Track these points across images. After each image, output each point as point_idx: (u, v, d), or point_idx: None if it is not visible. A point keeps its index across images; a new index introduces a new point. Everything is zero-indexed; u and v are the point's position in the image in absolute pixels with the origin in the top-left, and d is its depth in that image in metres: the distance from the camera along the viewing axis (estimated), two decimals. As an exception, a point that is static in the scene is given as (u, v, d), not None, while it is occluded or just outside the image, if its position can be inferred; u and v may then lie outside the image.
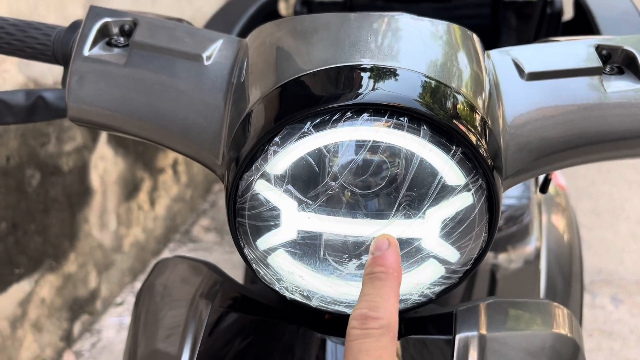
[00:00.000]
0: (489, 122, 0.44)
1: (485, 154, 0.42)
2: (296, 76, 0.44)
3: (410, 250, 0.44)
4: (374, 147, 0.41)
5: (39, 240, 1.50)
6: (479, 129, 0.43)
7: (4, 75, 1.32)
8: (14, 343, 1.47)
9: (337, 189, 0.42)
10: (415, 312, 0.53)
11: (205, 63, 0.49)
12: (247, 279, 1.08)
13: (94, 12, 0.52)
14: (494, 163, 0.44)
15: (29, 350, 1.52)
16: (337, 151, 0.41)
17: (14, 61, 1.32)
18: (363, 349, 0.35)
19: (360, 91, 0.41)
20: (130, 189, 1.87)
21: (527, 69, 0.49)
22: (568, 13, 1.18)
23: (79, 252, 1.66)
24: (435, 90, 0.43)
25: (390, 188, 0.42)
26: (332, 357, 0.52)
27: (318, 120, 0.41)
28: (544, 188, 0.71)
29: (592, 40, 0.52)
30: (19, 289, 1.46)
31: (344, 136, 0.41)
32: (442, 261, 0.45)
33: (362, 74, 0.43)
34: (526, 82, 0.48)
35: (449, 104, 0.42)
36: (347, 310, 0.48)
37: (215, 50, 0.50)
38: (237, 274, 1.30)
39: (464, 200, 0.43)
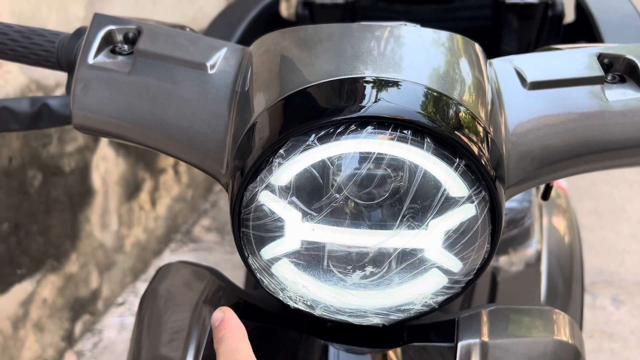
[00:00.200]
0: (491, 132, 0.45)
1: (487, 165, 0.43)
2: (300, 88, 0.44)
3: (413, 261, 0.45)
4: (378, 160, 0.42)
5: (41, 240, 1.51)
6: (481, 140, 0.43)
7: (5, 76, 1.32)
8: (16, 343, 1.48)
9: (342, 201, 0.43)
10: (418, 320, 0.53)
11: (210, 72, 0.49)
12: (248, 283, 1.08)
13: (98, 20, 0.53)
14: (497, 173, 0.44)
15: (30, 351, 1.53)
16: (341, 163, 0.42)
17: (16, 63, 1.32)
18: None
19: (363, 103, 0.42)
20: (131, 189, 1.87)
21: (529, 78, 0.49)
22: (569, 16, 1.18)
23: (81, 252, 1.66)
24: (438, 102, 0.43)
25: (393, 200, 0.43)
26: None
27: (322, 133, 0.41)
28: (545, 195, 0.71)
29: (593, 48, 0.52)
30: (20, 289, 1.47)
31: (348, 149, 0.41)
32: (445, 271, 0.45)
33: (365, 86, 0.43)
34: (528, 91, 0.49)
35: (451, 116, 0.43)
36: (351, 320, 0.48)
37: (219, 59, 0.50)
38: (238, 274, 1.30)
39: (467, 211, 0.43)
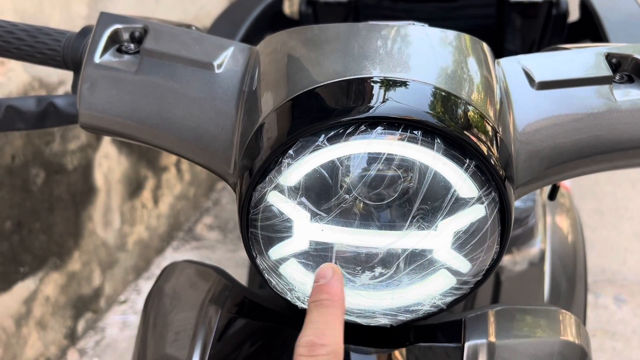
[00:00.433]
0: (500, 132, 0.45)
1: (497, 165, 0.43)
2: (308, 88, 0.44)
3: (422, 261, 0.45)
4: (388, 160, 0.41)
5: (44, 238, 1.51)
6: (491, 140, 0.43)
7: (9, 74, 1.32)
8: (19, 341, 1.48)
9: (351, 202, 0.42)
10: (425, 320, 0.53)
11: (217, 71, 0.49)
12: (251, 281, 1.08)
13: (105, 19, 0.52)
14: (506, 173, 0.44)
15: (33, 348, 1.53)
16: (351, 164, 0.42)
17: (19, 61, 1.32)
18: None
19: (371, 104, 0.41)
20: (134, 187, 1.87)
21: (538, 78, 0.49)
22: (574, 14, 1.18)
23: (83, 250, 1.66)
24: (446, 102, 0.43)
25: (403, 200, 0.42)
26: None
27: (332, 134, 0.41)
28: (552, 195, 0.71)
29: (601, 48, 0.52)
30: (23, 287, 1.47)
31: (358, 149, 0.41)
32: (454, 272, 0.45)
33: (373, 86, 0.43)
34: (537, 91, 0.48)
35: (460, 115, 0.43)
36: (359, 320, 0.48)
37: (226, 58, 0.50)
38: (240, 272, 1.30)
39: (476, 212, 0.43)
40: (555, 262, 1.10)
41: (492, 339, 0.51)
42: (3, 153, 1.34)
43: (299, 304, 0.48)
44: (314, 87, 0.44)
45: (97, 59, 0.50)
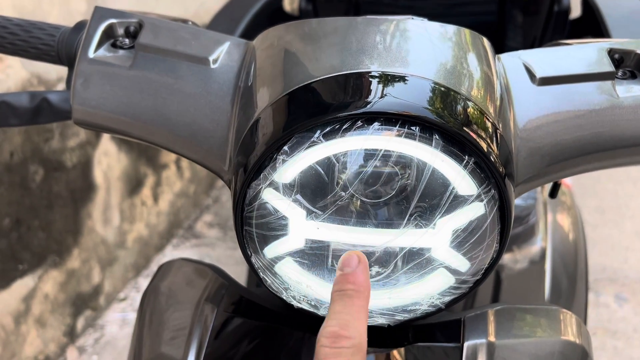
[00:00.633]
0: (500, 128, 0.44)
1: (497, 162, 0.42)
2: (304, 83, 0.43)
3: (420, 260, 0.44)
4: (385, 157, 0.41)
5: (43, 236, 1.50)
6: (490, 136, 0.42)
7: (7, 71, 1.31)
8: (18, 338, 1.47)
9: (347, 199, 0.42)
10: (423, 319, 0.52)
11: (212, 66, 0.48)
12: (250, 280, 1.08)
13: (99, 13, 0.52)
14: (506, 170, 0.43)
15: (32, 346, 1.52)
16: (347, 160, 0.41)
17: (17, 57, 1.31)
18: None
19: (369, 99, 0.41)
20: (133, 185, 1.86)
21: (539, 73, 0.48)
22: (575, 11, 1.17)
23: (83, 247, 1.65)
24: (445, 97, 0.42)
25: (401, 198, 0.42)
26: None
27: (328, 129, 0.40)
28: (553, 193, 0.70)
29: (604, 43, 0.51)
30: (22, 285, 1.46)
31: (355, 145, 0.40)
32: (452, 271, 0.45)
33: (371, 80, 0.42)
34: (537, 87, 0.48)
35: (459, 111, 0.42)
36: None
37: (222, 53, 0.49)
38: (240, 270, 1.29)
39: (475, 210, 0.42)
40: (556, 260, 1.09)
41: (492, 338, 0.50)
42: (1, 150, 1.34)
43: (294, 303, 0.48)
44: (310, 81, 0.43)
45: (91, 54, 0.50)
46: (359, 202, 0.42)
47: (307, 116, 0.41)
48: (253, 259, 0.46)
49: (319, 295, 0.46)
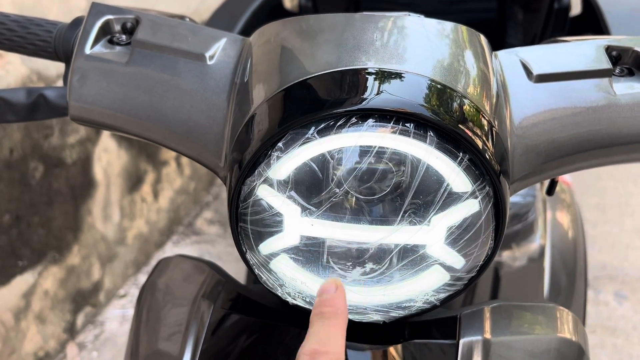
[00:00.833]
0: (496, 126, 0.44)
1: (492, 160, 0.42)
2: (300, 79, 0.43)
3: (415, 257, 0.44)
4: (380, 153, 0.40)
5: (43, 232, 1.50)
6: (486, 134, 0.42)
7: (7, 67, 1.31)
8: (18, 334, 1.48)
9: (342, 196, 0.42)
10: (420, 316, 0.52)
11: (209, 62, 0.48)
12: (249, 276, 1.08)
13: (96, 9, 0.52)
14: (501, 168, 0.43)
15: (32, 342, 1.53)
16: (342, 157, 0.41)
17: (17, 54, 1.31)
18: None
19: (365, 96, 0.40)
20: (133, 182, 1.86)
21: (536, 70, 0.48)
22: (576, 8, 1.17)
23: (83, 244, 1.66)
24: (442, 95, 0.42)
25: (395, 195, 0.42)
26: None
27: (322, 126, 0.40)
28: (550, 190, 0.70)
29: (601, 41, 0.51)
30: (22, 281, 1.47)
31: (349, 142, 0.40)
32: (447, 268, 0.45)
33: (368, 77, 0.42)
34: (534, 84, 0.48)
35: (455, 109, 0.42)
36: (351, 316, 0.48)
37: (219, 50, 0.49)
38: (240, 267, 1.30)
39: (470, 207, 0.42)
40: (555, 258, 1.09)
41: (488, 335, 0.50)
42: (1, 146, 1.34)
43: (289, 299, 0.48)
44: (306, 77, 0.43)
45: (87, 50, 0.50)
46: (353, 199, 0.42)
47: (302, 113, 0.41)
48: (248, 256, 0.46)
49: (314, 291, 0.46)
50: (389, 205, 0.42)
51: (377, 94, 0.41)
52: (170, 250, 2.06)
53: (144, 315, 0.59)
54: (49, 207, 1.51)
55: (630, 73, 0.49)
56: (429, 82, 0.42)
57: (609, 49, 0.50)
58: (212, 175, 2.40)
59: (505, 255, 1.01)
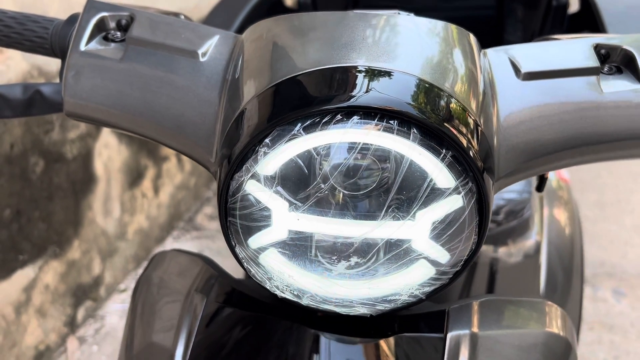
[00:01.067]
0: (481, 124, 0.44)
1: (475, 157, 0.42)
2: (289, 76, 0.43)
3: (399, 251, 0.44)
4: (364, 150, 0.41)
5: (43, 227, 1.52)
6: (471, 132, 0.43)
7: (7, 62, 1.32)
8: (19, 328, 1.49)
9: (327, 191, 0.42)
10: (409, 310, 0.53)
11: (201, 59, 0.49)
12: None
13: (91, 6, 0.52)
14: (485, 165, 0.43)
15: (33, 335, 1.54)
16: (327, 153, 0.42)
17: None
18: None
19: (353, 93, 0.41)
20: (134, 177, 1.87)
21: (524, 68, 0.48)
22: (574, 6, 1.17)
23: (83, 239, 1.67)
24: (428, 93, 0.43)
25: (379, 190, 0.42)
26: (325, 353, 0.52)
27: (308, 122, 0.41)
28: (540, 186, 0.70)
29: (590, 39, 0.51)
30: (23, 275, 1.48)
31: (334, 138, 0.41)
32: (432, 262, 0.45)
33: (357, 74, 0.42)
34: (522, 81, 0.48)
35: (441, 107, 0.42)
36: (338, 309, 0.48)
37: (211, 47, 0.50)
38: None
39: (453, 202, 0.43)
40: (551, 254, 1.09)
41: (475, 329, 0.51)
42: (2, 141, 1.35)
43: (277, 292, 0.48)
44: (294, 74, 0.43)
45: (82, 46, 0.50)
46: (338, 195, 0.43)
47: (289, 109, 0.41)
48: (237, 250, 0.47)
49: (301, 284, 0.47)
50: (373, 201, 0.43)
51: (366, 91, 0.41)
52: (170, 245, 2.07)
53: (139, 308, 0.60)
54: (49, 201, 1.52)
55: (618, 71, 0.50)
56: (417, 80, 0.43)
57: (597, 48, 0.50)
58: (212, 171, 2.40)
59: (501, 252, 1.02)
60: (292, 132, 0.41)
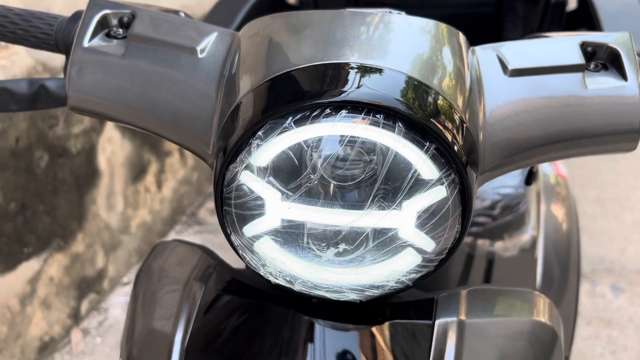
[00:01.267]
0: (467, 119, 0.46)
1: (459, 150, 0.44)
2: (283, 72, 0.45)
3: (385, 239, 0.46)
4: (351, 142, 0.43)
5: (48, 220, 1.54)
6: (456, 127, 0.45)
7: (12, 57, 1.34)
8: (23, 320, 1.51)
9: (316, 182, 0.44)
10: (400, 298, 0.55)
11: (199, 56, 0.51)
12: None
13: (94, 4, 0.54)
14: (469, 158, 0.45)
15: (37, 327, 1.56)
16: (317, 145, 0.44)
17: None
18: None
19: (344, 89, 0.43)
20: (137, 171, 1.89)
21: (511, 65, 0.50)
22: (572, 3, 1.18)
23: (87, 232, 1.69)
24: (417, 90, 0.44)
25: (367, 181, 0.44)
26: (319, 339, 0.54)
27: (299, 116, 0.43)
28: (528, 180, 0.72)
29: (578, 37, 0.53)
30: (28, 268, 1.50)
31: (323, 131, 0.43)
32: (418, 250, 0.47)
33: (349, 71, 0.44)
34: (509, 78, 0.50)
35: (428, 103, 0.44)
36: (328, 295, 0.50)
37: (210, 43, 0.52)
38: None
39: (437, 193, 0.45)
40: (548, 249, 1.10)
41: (463, 317, 0.52)
42: (7, 136, 1.37)
43: (271, 279, 0.50)
44: (288, 70, 0.45)
45: (85, 43, 0.52)
46: (326, 185, 0.45)
47: (281, 104, 0.43)
48: (233, 238, 0.49)
49: (293, 271, 0.49)
50: (361, 191, 0.45)
51: (357, 87, 0.43)
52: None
53: (140, 297, 0.62)
54: (54, 195, 1.54)
55: (604, 68, 0.51)
56: (406, 78, 0.45)
57: (584, 45, 0.52)
58: (215, 166, 2.42)
59: (497, 246, 1.03)
60: (284, 125, 0.43)
